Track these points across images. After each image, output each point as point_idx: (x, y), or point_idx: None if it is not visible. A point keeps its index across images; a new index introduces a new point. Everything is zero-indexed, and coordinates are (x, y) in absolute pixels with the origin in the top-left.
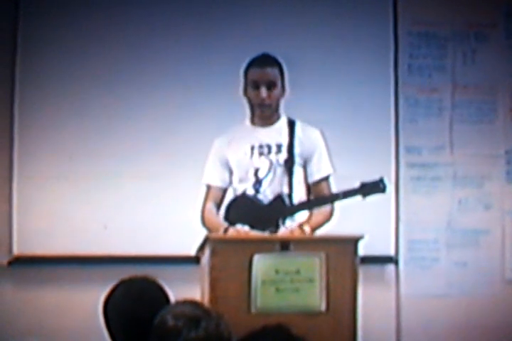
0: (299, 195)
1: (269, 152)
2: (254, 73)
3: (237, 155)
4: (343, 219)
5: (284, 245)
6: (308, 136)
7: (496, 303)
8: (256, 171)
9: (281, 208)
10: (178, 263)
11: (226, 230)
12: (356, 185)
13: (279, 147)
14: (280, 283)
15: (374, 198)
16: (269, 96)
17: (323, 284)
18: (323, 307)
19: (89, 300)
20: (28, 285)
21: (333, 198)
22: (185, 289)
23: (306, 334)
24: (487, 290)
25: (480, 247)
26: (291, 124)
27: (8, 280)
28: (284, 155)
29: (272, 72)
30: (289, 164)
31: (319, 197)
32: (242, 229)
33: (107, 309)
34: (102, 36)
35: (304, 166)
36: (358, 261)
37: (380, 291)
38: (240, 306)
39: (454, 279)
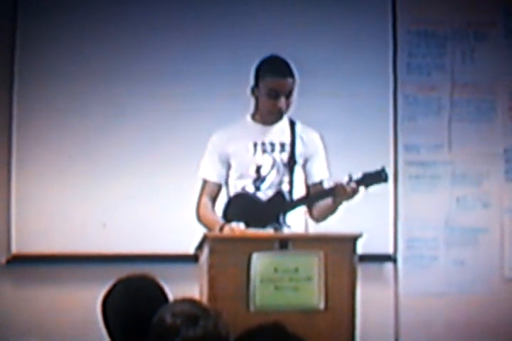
0: (300, 194)
1: (273, 150)
2: (276, 83)
3: (239, 150)
4: (342, 218)
5: (283, 243)
6: (309, 138)
7: (495, 301)
8: (258, 168)
9: (281, 203)
10: (177, 261)
11: (221, 228)
12: (358, 175)
13: (282, 146)
14: (279, 281)
15: (372, 196)
16: (286, 105)
17: (322, 282)
18: (321, 305)
19: (87, 299)
20: (27, 283)
21: (333, 190)
22: (184, 287)
23: (304, 333)
24: (486, 289)
25: (479, 245)
26: (292, 125)
27: (6, 278)
28: (286, 154)
29: (292, 81)
30: (290, 163)
31: (320, 191)
32: (237, 227)
33: (106, 307)
34: (101, 34)
35: (304, 166)
36: (356, 259)
37: (378, 289)
38: (239, 304)
39: (453, 277)
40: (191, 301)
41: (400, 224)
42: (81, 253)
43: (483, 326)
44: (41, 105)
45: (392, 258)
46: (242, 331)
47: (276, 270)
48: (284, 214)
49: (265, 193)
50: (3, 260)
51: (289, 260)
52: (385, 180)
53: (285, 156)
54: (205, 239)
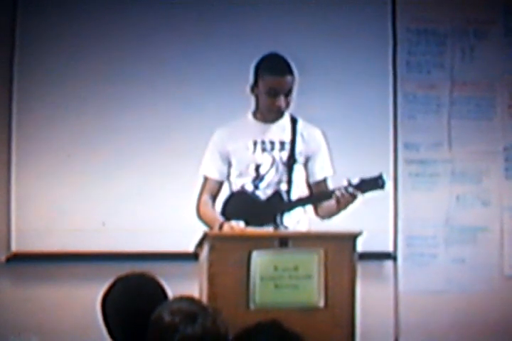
0: (301, 193)
1: (272, 148)
2: (275, 81)
3: (239, 149)
4: (342, 216)
5: (283, 241)
6: (310, 135)
7: (494, 299)
8: (257, 167)
9: (279, 203)
10: (177, 259)
11: (221, 226)
12: (355, 181)
13: (282, 144)
14: (279, 279)
15: (372, 195)
16: (286, 104)
17: (322, 280)
18: (321, 303)
19: (87, 297)
20: (27, 282)
21: (331, 194)
22: (184, 285)
23: (304, 331)
24: (485, 287)
25: (478, 243)
26: (294, 122)
27: (6, 277)
28: (286, 152)
29: (291, 79)
30: (290, 162)
31: (318, 192)
32: (237, 226)
33: (105, 305)
34: (100, 33)
35: (305, 165)
36: (356, 257)
37: (378, 287)
38: (239, 302)
39: (453, 275)
40: (189, 299)
41: (400, 222)
42: (81, 251)
43: (483, 324)
44: (40, 104)
45: (392, 256)
46: (241, 329)
47: (276, 268)
48: (281, 214)
49: (264, 192)
50: (3, 258)
51: (288, 258)
52: (382, 187)
53: (285, 155)
54: (205, 237)
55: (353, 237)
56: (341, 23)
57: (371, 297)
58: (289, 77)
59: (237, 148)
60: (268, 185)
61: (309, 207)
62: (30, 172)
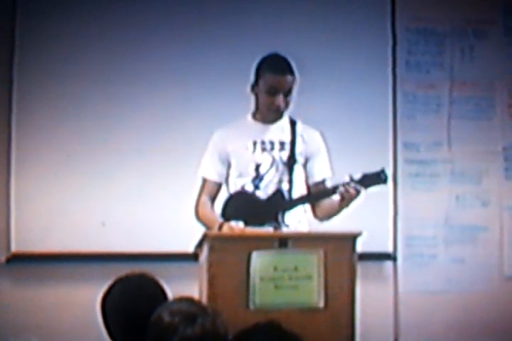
0: (300, 193)
1: (272, 148)
2: (274, 80)
3: (239, 149)
4: (342, 216)
5: (283, 242)
6: (310, 137)
7: (494, 300)
8: (257, 167)
9: (280, 202)
10: (177, 260)
11: (220, 227)
12: (357, 176)
13: (282, 144)
14: (278, 279)
15: (372, 195)
16: (285, 103)
17: (322, 281)
18: (321, 303)
19: (87, 297)
20: (26, 282)
21: (334, 190)
22: (184, 286)
23: (304, 331)
24: (485, 287)
25: (478, 243)
26: (293, 124)
27: (6, 277)
28: (286, 152)
29: (291, 79)
30: (290, 162)
31: (321, 190)
32: (237, 226)
33: (105, 306)
34: (100, 33)
35: (304, 166)
36: (356, 257)
37: (378, 288)
38: (239, 303)
39: (452, 275)
40: (189, 300)
41: (400, 223)
42: (80, 251)
43: (483, 324)
44: (40, 104)
45: (391, 257)
46: (239, 330)
47: (275, 268)
48: (283, 213)
49: (264, 192)
50: (3, 259)
51: (288, 258)
52: (385, 181)
53: (285, 155)
54: (204, 237)
55: (352, 238)
56: (340, 23)
57: (371, 297)
58: (289, 77)
59: (236, 148)
60: (268, 185)
61: (308, 209)
62: (29, 173)
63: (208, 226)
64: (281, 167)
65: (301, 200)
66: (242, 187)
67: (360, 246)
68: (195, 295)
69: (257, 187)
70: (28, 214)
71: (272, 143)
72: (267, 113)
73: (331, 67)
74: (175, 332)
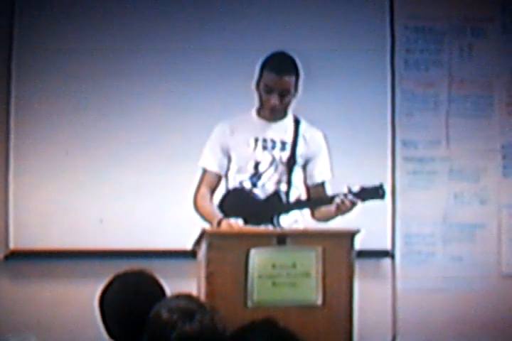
0: (299, 195)
1: (273, 147)
2: (270, 78)
3: (240, 144)
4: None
5: (281, 239)
6: (312, 137)
7: (492, 298)
8: (256, 164)
9: (277, 205)
10: (175, 257)
11: (219, 223)
12: (356, 188)
13: (283, 144)
14: (276, 277)
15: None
16: (280, 102)
17: (320, 278)
18: (319, 301)
19: (85, 294)
20: (24, 279)
21: (331, 200)
22: (182, 283)
23: (302, 328)
24: (483, 285)
25: (476, 241)
26: (297, 123)
27: (4, 274)
28: (287, 153)
29: (289, 79)
30: (290, 163)
31: (317, 197)
32: (235, 223)
33: (103, 303)
34: (100, 31)
35: (304, 166)
36: (354, 255)
37: (376, 285)
38: (237, 300)
39: (450, 273)
40: (187, 296)
41: (398, 220)
42: (78, 248)
43: (481, 322)
44: (39, 101)
45: (389, 254)
46: (236, 327)
47: (274, 266)
48: (278, 216)
49: (261, 190)
50: (1, 256)
51: (286, 256)
52: (382, 196)
53: (285, 155)
54: (203, 234)
55: (350, 235)
56: (339, 22)
57: (369, 295)
58: (286, 77)
59: (237, 143)
60: (265, 184)
61: (306, 209)
62: (28, 170)
63: (206, 219)
64: (280, 167)
65: (298, 206)
66: (241, 183)
67: (359, 244)
68: (194, 292)
69: (254, 184)
70: (26, 211)
71: (273, 142)
72: (267, 111)
73: (330, 65)
74: (173, 329)
